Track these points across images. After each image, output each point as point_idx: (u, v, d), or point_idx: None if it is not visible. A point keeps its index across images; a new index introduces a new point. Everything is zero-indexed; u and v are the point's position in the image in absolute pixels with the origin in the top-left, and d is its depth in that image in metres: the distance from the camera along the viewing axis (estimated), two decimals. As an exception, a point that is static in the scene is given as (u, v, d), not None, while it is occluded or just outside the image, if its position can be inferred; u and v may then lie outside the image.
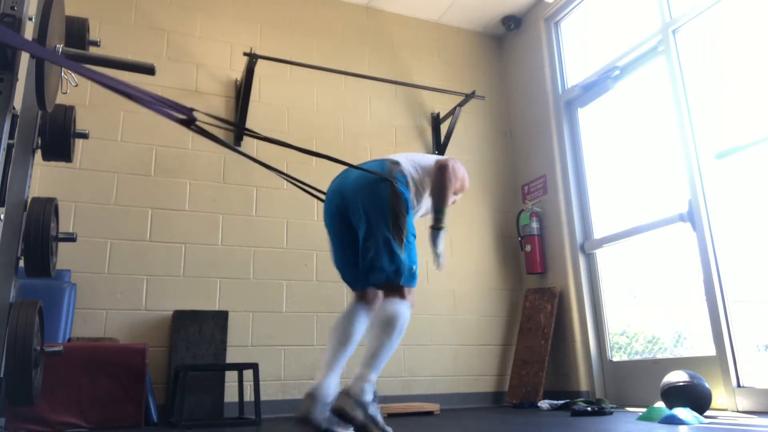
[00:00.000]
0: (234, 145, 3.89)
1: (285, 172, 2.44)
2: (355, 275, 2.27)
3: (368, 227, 2.11)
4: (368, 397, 1.92)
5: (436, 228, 2.28)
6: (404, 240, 2.12)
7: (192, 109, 1.72)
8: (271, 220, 3.88)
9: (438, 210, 2.29)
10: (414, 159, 2.32)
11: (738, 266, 3.14)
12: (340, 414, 1.87)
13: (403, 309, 2.07)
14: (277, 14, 4.33)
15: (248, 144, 3.90)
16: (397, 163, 2.25)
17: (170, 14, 4.00)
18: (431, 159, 2.36)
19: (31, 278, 1.83)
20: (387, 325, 2.03)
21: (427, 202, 2.34)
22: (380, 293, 2.25)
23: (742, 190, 3.22)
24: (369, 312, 2.27)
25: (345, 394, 1.90)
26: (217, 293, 3.62)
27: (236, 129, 1.78)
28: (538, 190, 4.47)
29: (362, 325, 2.23)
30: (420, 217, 2.42)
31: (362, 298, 2.31)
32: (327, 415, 1.98)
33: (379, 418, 1.94)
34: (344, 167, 2.30)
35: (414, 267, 2.15)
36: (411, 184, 2.24)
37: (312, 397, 1.99)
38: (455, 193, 2.39)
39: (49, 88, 1.66)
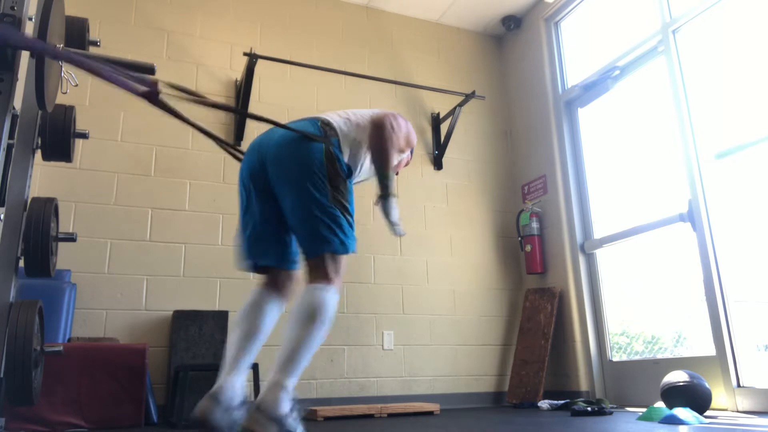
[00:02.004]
0: (235, 144, 3.89)
1: (212, 133, 2.11)
2: (267, 252, 1.97)
3: (302, 194, 1.83)
4: (284, 408, 1.63)
5: (383, 196, 1.98)
6: (346, 206, 1.88)
7: (156, 82, 1.60)
8: (271, 220, 3.87)
9: (382, 175, 1.99)
10: (348, 117, 2.03)
11: (738, 266, 3.14)
12: None
13: (330, 297, 1.78)
14: (277, 14, 4.33)
15: (249, 139, 3.89)
16: (329, 124, 1.95)
17: (170, 14, 4.00)
18: (367, 115, 2.06)
19: (31, 278, 1.82)
20: (310, 318, 1.72)
21: (367, 165, 2.05)
22: (296, 278, 2.00)
23: (742, 190, 3.21)
24: (279, 301, 1.97)
25: (257, 410, 1.62)
26: (217, 293, 3.62)
27: (204, 102, 1.68)
28: (538, 190, 4.47)
29: (273, 316, 1.93)
30: (361, 182, 2.18)
31: (273, 283, 1.98)
32: (230, 420, 1.71)
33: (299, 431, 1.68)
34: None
35: (353, 236, 1.91)
36: (345, 146, 1.95)
37: (213, 398, 1.71)
38: (401, 152, 2.11)
39: (49, 88, 1.66)
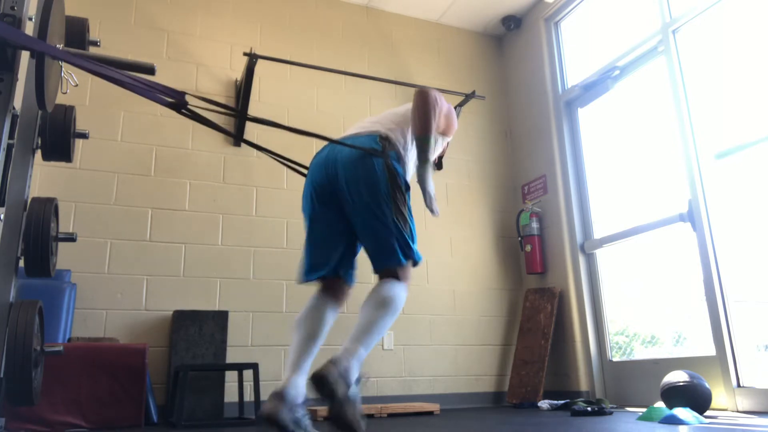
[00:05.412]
0: (234, 144, 3.89)
1: (273, 151, 2.32)
2: (329, 259, 2.07)
3: (370, 213, 1.94)
4: (354, 375, 1.76)
5: (421, 161, 2.02)
6: (407, 218, 1.98)
7: (183, 93, 1.68)
8: (271, 220, 3.88)
9: (421, 139, 2.01)
10: (398, 121, 2.12)
11: (738, 266, 3.14)
12: (320, 381, 1.66)
13: (402, 291, 1.93)
14: (277, 14, 4.33)
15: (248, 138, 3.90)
16: (387, 139, 2.03)
17: (170, 14, 4.00)
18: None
19: (31, 278, 1.82)
20: (383, 305, 1.86)
21: (414, 157, 2.13)
22: (349, 290, 2.13)
23: (742, 190, 3.22)
24: (335, 307, 2.06)
25: (331, 363, 1.70)
26: (217, 293, 3.62)
27: (229, 112, 1.73)
28: (538, 190, 4.47)
29: (330, 320, 2.03)
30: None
31: (329, 290, 2.06)
32: (294, 418, 1.80)
33: (359, 404, 1.77)
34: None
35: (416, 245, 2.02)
36: (403, 154, 2.06)
37: (279, 396, 1.78)
38: (444, 134, 2.18)
39: (49, 88, 1.66)
